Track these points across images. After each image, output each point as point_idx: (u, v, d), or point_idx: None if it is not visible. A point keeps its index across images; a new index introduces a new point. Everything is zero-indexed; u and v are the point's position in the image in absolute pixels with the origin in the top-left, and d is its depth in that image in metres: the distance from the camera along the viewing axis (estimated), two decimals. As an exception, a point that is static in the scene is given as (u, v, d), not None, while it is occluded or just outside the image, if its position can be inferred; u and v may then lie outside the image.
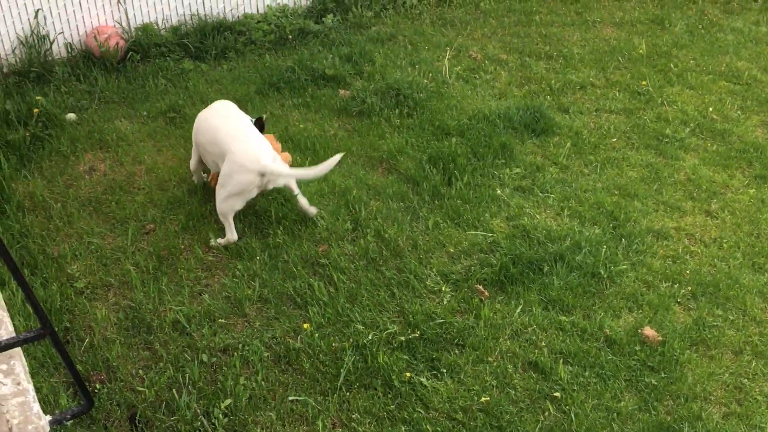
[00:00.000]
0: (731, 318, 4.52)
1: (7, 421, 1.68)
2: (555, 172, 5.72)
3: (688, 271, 4.83)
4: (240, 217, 5.19)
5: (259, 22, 7.64)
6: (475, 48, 7.41)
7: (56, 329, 4.37)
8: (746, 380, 4.16)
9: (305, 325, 4.40)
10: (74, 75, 6.79)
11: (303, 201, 5.14)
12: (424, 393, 4.03)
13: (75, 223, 5.19)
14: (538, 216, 5.25)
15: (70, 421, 3.65)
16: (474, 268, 4.81)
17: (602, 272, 4.75)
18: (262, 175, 4.77)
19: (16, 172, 5.64)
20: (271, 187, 4.95)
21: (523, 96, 6.66)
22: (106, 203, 5.38)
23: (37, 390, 4.06)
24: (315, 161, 5.74)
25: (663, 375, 4.14)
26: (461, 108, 6.39)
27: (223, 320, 4.47)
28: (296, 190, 5.10)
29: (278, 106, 6.48)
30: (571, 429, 3.86)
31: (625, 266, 4.83)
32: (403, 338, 4.29)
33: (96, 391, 4.06)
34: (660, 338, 4.33)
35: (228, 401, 3.99)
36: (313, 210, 5.16)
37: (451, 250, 4.96)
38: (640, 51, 7.34)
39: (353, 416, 3.94)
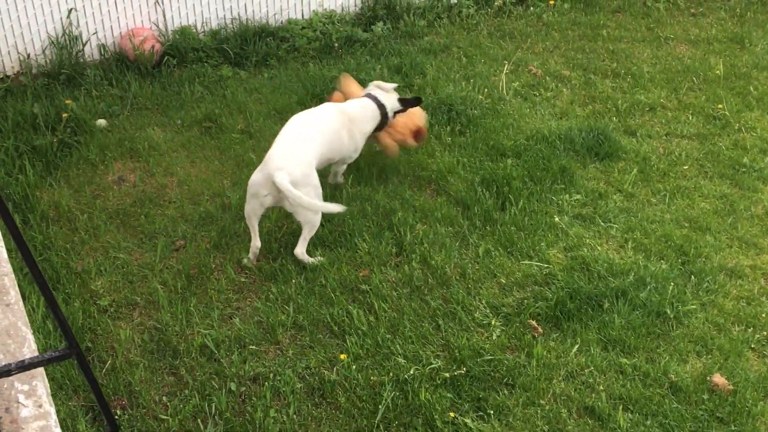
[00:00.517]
0: (811, 368, 4.44)
1: (27, 446, 1.70)
2: (619, 200, 5.68)
3: (764, 315, 4.75)
4: (276, 236, 5.23)
5: (303, 28, 7.72)
6: (535, 63, 7.41)
7: (80, 347, 4.44)
8: (826, 438, 4.08)
9: (342, 356, 4.40)
10: (106, 79, 6.92)
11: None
12: (469, 435, 4.01)
13: (101, 236, 5.27)
14: (599, 247, 5.21)
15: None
16: (527, 301, 4.78)
17: (668, 312, 4.70)
18: (272, 183, 4.80)
19: (41, 179, 5.75)
20: (287, 206, 4.93)
21: (587, 116, 6.64)
22: (134, 216, 5.45)
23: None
24: (358, 178, 5.78)
25: (733, 428, 4.07)
26: (518, 127, 6.38)
27: (254, 347, 4.49)
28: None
29: (321, 119, 6.53)
30: (629, 483, 3.81)
31: (694, 306, 4.78)
32: (447, 375, 4.28)
33: (117, 416, 4.10)
34: (731, 387, 4.26)
35: (256, 435, 4.00)
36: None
37: (503, 281, 4.94)
38: (717, 71, 7.29)
39: (391, 457, 3.93)
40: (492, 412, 4.12)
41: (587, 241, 5.27)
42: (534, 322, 4.63)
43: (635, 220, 5.46)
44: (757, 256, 5.22)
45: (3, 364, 1.68)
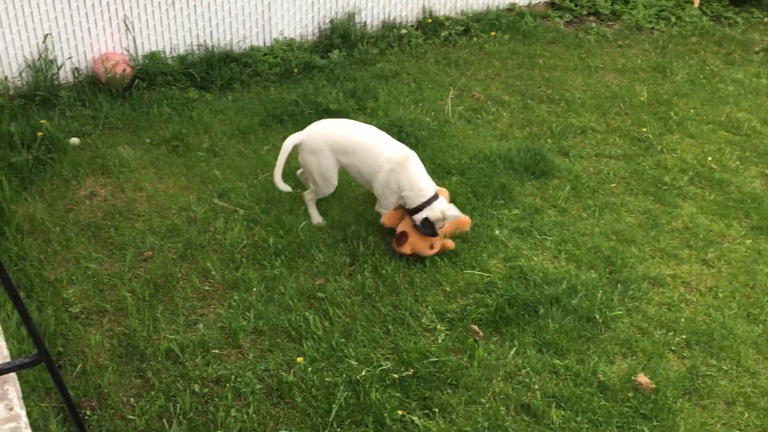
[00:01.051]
0: (725, 368, 4.51)
1: (-2, 447, 1.66)
2: (553, 214, 5.73)
3: (683, 319, 4.82)
4: (238, 248, 5.20)
5: (265, 54, 7.69)
6: (478, 88, 7.46)
7: (50, 353, 4.37)
8: (738, 431, 4.14)
9: (299, 359, 4.38)
10: (80, 100, 6.82)
11: None
12: (416, 432, 4.01)
13: (73, 247, 5.19)
14: (535, 258, 5.25)
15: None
16: (470, 307, 4.80)
17: (597, 317, 4.74)
18: None
19: (17, 194, 5.64)
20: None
21: (524, 138, 6.69)
22: (104, 229, 5.38)
23: (27, 414, 4.02)
24: (315, 195, 5.76)
25: (655, 423, 4.12)
26: (462, 147, 6.41)
27: (216, 351, 4.45)
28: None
29: (281, 139, 6.48)
30: (561, 474, 3.84)
31: (620, 312, 4.83)
32: (396, 376, 4.27)
33: (86, 417, 4.03)
34: (653, 386, 4.31)
35: (218, 433, 3.96)
36: None
37: (448, 289, 4.96)
38: (642, 98, 7.39)
39: (343, 453, 3.91)
40: (437, 410, 4.12)
41: (524, 252, 5.30)
42: (476, 327, 4.65)
43: (568, 233, 5.51)
44: (677, 266, 5.30)
45: (-25, 371, 1.64)
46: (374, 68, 7.72)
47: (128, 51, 7.23)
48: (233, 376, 4.28)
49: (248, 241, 5.27)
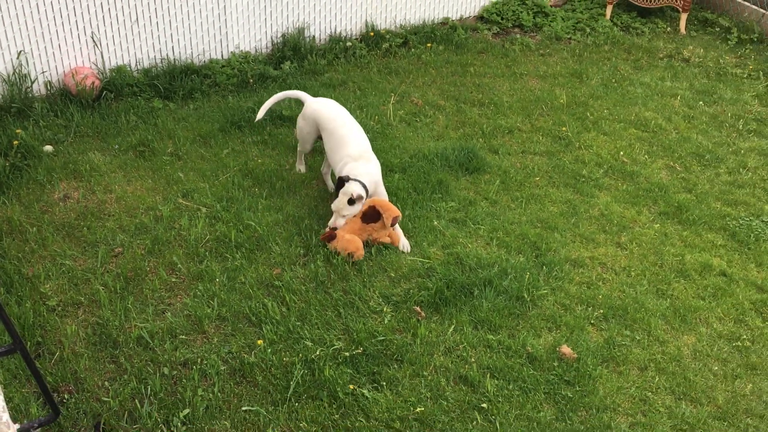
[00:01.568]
0: (637, 338, 4.60)
1: (-23, 430, 1.63)
2: (485, 206, 5.77)
3: (600, 296, 4.90)
4: (202, 242, 5.15)
5: (223, 66, 7.61)
6: (416, 94, 7.48)
7: (29, 344, 4.29)
8: (650, 393, 4.23)
9: (259, 342, 4.35)
10: (52, 111, 6.67)
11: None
12: (366, 404, 4.01)
13: (49, 246, 5.08)
14: (470, 245, 5.29)
15: (38, 430, 3.55)
16: (412, 290, 4.82)
17: (525, 296, 4.80)
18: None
19: (-5, 198, 5.51)
20: None
21: (459, 138, 6.73)
22: (78, 228, 5.28)
23: (9, 399, 3.95)
24: (271, 193, 5.72)
25: (577, 388, 4.19)
26: (403, 148, 6.42)
27: (183, 336, 4.40)
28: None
29: (239, 143, 6.45)
30: (496, 436, 3.88)
31: (545, 291, 4.89)
32: (347, 354, 4.28)
33: (64, 400, 3.96)
34: (575, 355, 4.38)
35: (186, 411, 3.92)
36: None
37: (392, 275, 4.97)
38: (561, 101, 7.48)
39: (301, 425, 3.90)
40: (384, 383, 4.14)
41: (460, 240, 5.34)
42: (418, 308, 4.67)
43: (498, 222, 5.56)
44: (594, 249, 5.38)
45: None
46: (323, 78, 7.69)
47: (96, 65, 7.10)
48: (199, 359, 4.24)
49: (211, 236, 5.22)
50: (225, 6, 7.54)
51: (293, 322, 4.51)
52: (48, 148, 6.17)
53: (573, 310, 4.78)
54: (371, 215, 5.11)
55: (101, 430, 3.83)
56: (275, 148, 6.40)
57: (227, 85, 7.42)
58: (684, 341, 4.63)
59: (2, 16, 6.52)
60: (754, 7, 9.39)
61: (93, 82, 6.89)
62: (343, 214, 5.13)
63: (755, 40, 9.11)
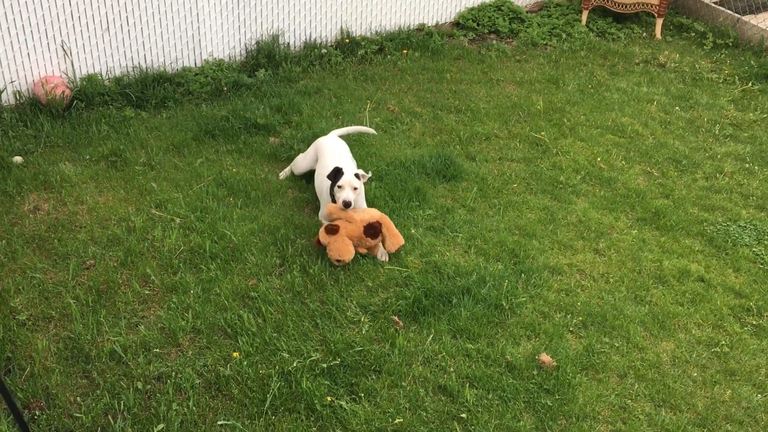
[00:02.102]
0: (616, 345, 4.62)
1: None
2: (463, 213, 5.79)
3: (579, 303, 4.93)
4: (175, 254, 5.11)
5: (196, 74, 7.58)
6: (392, 101, 7.49)
7: (-3, 360, 4.23)
8: (630, 401, 4.25)
9: (235, 354, 4.33)
10: (22, 121, 6.61)
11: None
12: (344, 416, 4.00)
13: (19, 259, 5.03)
14: (448, 253, 5.30)
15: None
16: (390, 300, 4.81)
17: (504, 304, 4.81)
18: None
19: (-38, 210, 5.44)
20: None
21: (435, 145, 6.75)
22: (48, 240, 5.23)
23: (-22, 418, 3.89)
24: (246, 202, 5.70)
25: (557, 397, 4.20)
26: (380, 155, 6.43)
27: (157, 350, 4.37)
28: None
29: (213, 152, 6.43)
30: (476, 447, 3.88)
31: (524, 299, 4.91)
32: (325, 365, 4.26)
33: (35, 417, 3.92)
34: (554, 363, 4.39)
35: (161, 426, 3.89)
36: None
37: (370, 284, 4.97)
38: (538, 107, 7.53)
39: (278, 438, 3.88)
40: (363, 394, 4.13)
41: (438, 248, 5.34)
42: (396, 318, 4.67)
43: (476, 230, 5.58)
44: (573, 256, 5.41)
45: None
46: (298, 85, 7.69)
47: (67, 74, 7.04)
48: (174, 373, 4.21)
49: (185, 247, 5.19)
50: (198, 13, 7.52)
51: (269, 333, 4.49)
52: (17, 159, 6.11)
53: (552, 317, 4.80)
54: (374, 230, 5.08)
55: (73, 447, 3.79)
56: (250, 157, 6.38)
57: (201, 94, 7.39)
58: (663, 348, 4.66)
59: (-31, 24, 6.46)
60: (728, 12, 9.52)
61: (63, 92, 6.84)
62: (354, 186, 5.17)
63: (730, 44, 9.23)
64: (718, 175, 6.59)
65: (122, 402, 4.01)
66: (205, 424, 3.94)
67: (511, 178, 6.30)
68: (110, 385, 4.12)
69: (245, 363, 4.27)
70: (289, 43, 8.22)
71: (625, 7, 9.46)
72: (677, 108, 7.74)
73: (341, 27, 8.53)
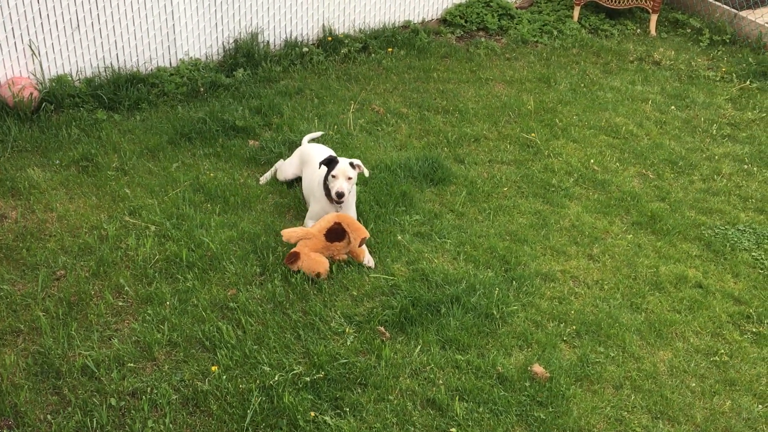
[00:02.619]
0: (612, 354, 4.64)
1: None
2: (451, 218, 5.80)
3: (572, 311, 4.94)
4: (150, 263, 5.09)
5: (171, 75, 7.56)
6: (377, 102, 7.50)
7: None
8: (626, 413, 4.27)
9: (213, 368, 4.31)
10: (-13, 124, 6.58)
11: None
12: None
13: (-16, 269, 5.00)
14: (435, 260, 5.30)
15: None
16: (376, 310, 4.81)
17: (495, 313, 4.82)
18: None
19: (-75, 219, 5.40)
20: None
21: (422, 147, 6.76)
22: (16, 250, 5.19)
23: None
24: (225, 209, 5.69)
25: (551, 409, 4.21)
26: (365, 158, 6.43)
27: (132, 364, 4.35)
28: None
29: (190, 156, 6.41)
30: (466, 462, 3.88)
31: (515, 307, 4.92)
32: (308, 378, 4.25)
33: (2, 437, 3.89)
34: (548, 374, 4.40)
35: (136, 444, 3.87)
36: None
37: (355, 293, 4.96)
38: (529, 107, 7.56)
39: (259, 456, 3.87)
40: (348, 409, 4.12)
41: (426, 255, 5.35)
42: (382, 328, 4.67)
43: (465, 236, 5.59)
44: (566, 262, 5.43)
45: None
46: (278, 85, 7.69)
47: (35, 75, 7.01)
48: (149, 388, 4.19)
49: (160, 256, 5.17)
50: (173, 11, 7.50)
51: (250, 346, 4.47)
52: (-17, 164, 6.08)
53: (544, 326, 4.81)
54: (336, 233, 5.10)
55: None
56: (228, 161, 6.37)
57: (176, 95, 7.38)
58: (660, 357, 4.68)
59: (-69, 23, 6.42)
60: (725, 7, 9.60)
61: (31, 93, 6.81)
62: (348, 176, 5.26)
63: (727, 41, 9.31)
64: (715, 176, 6.63)
65: (95, 419, 3.98)
66: (182, 442, 3.92)
67: (501, 182, 6.32)
68: (82, 402, 4.09)
69: (224, 377, 4.25)
70: (268, 42, 8.22)
71: (619, 2, 9.53)
72: (673, 107, 7.79)
73: (323, 24, 8.54)
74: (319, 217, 5.34)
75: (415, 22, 9.19)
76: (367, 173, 5.49)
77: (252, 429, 3.99)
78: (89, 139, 6.53)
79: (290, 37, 8.36)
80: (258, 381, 4.23)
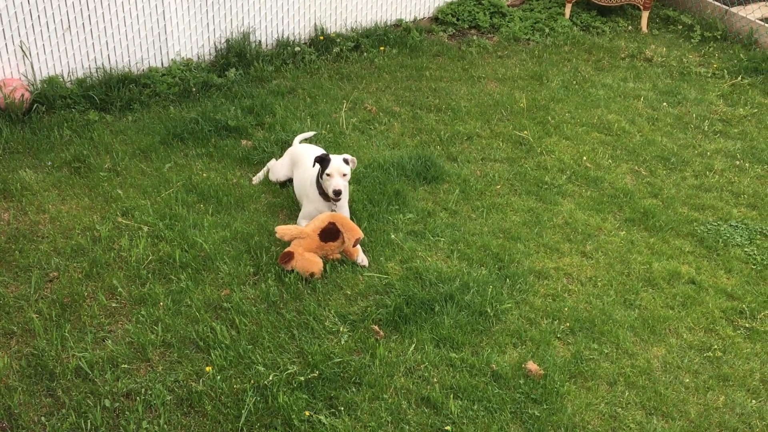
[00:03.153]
0: (606, 351, 4.65)
1: None
2: (445, 217, 5.80)
3: (566, 308, 4.95)
4: (144, 264, 5.09)
5: (163, 75, 7.56)
6: (370, 101, 7.51)
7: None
8: (620, 409, 4.28)
9: (207, 368, 4.31)
10: (-22, 126, 6.56)
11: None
12: (323, 431, 3.99)
13: (-23, 272, 4.99)
14: (429, 258, 5.31)
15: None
16: (370, 308, 4.82)
17: (489, 311, 4.83)
18: None
19: None
20: None
21: (415, 146, 6.76)
22: (8, 252, 5.18)
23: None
24: (218, 209, 5.69)
25: (545, 406, 4.22)
26: (357, 157, 6.43)
27: (126, 365, 4.34)
28: None
29: (182, 156, 6.41)
30: (461, 460, 3.89)
31: (509, 305, 4.93)
32: (302, 378, 4.25)
33: (-4, 440, 3.88)
34: (542, 372, 4.41)
35: (130, 446, 3.87)
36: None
37: (349, 293, 4.97)
38: (521, 104, 7.57)
39: (254, 456, 3.87)
40: (342, 408, 4.12)
41: (419, 253, 5.35)
42: (376, 327, 4.67)
43: (459, 234, 5.59)
44: (559, 259, 5.44)
45: None
46: (270, 85, 7.69)
47: (26, 76, 6.99)
48: (143, 389, 4.19)
49: (154, 256, 5.17)
50: (164, 11, 7.49)
51: (244, 346, 4.47)
52: (-26, 166, 6.06)
53: (538, 324, 4.82)
54: (331, 233, 5.10)
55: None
56: (221, 160, 6.37)
57: (168, 95, 7.37)
58: (654, 353, 4.70)
59: None
60: (716, 3, 9.63)
61: (22, 95, 6.79)
62: (343, 173, 5.24)
63: (719, 37, 9.34)
64: (707, 173, 6.65)
65: (89, 421, 3.98)
66: (177, 443, 3.92)
67: (494, 179, 6.32)
68: (76, 404, 4.08)
69: (219, 377, 4.25)
70: (260, 41, 8.21)
71: (610, -1, 9.54)
72: (665, 104, 7.81)
73: (315, 24, 8.54)
74: (312, 216, 5.34)
75: (407, 20, 9.19)
76: (356, 163, 5.49)
77: (247, 429, 3.99)
78: (81, 140, 6.52)
79: (282, 36, 8.36)
80: (252, 381, 4.23)
